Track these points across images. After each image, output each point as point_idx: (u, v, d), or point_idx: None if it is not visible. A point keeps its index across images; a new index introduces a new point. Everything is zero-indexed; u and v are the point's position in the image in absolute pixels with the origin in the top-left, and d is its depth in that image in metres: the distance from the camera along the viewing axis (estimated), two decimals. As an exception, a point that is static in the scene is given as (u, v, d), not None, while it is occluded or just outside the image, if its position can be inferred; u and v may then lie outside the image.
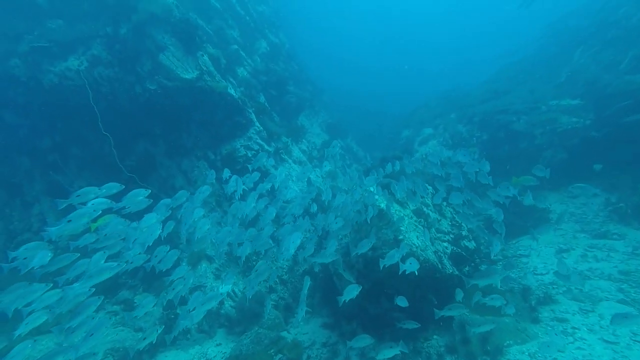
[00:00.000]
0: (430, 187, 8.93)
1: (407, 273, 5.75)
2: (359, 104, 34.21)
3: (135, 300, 7.88)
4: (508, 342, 5.84)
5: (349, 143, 22.67)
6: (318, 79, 28.31)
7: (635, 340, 5.36)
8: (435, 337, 6.40)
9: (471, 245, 7.75)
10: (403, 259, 5.77)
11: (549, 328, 5.96)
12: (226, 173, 7.27)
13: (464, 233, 8.03)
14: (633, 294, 6.41)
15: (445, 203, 8.80)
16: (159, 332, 5.23)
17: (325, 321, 7.72)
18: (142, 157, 10.63)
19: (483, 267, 8.03)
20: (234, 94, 11.17)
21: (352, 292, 5.58)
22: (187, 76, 10.34)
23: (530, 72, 19.04)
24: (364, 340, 5.43)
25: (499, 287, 7.09)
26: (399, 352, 5.25)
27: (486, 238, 8.76)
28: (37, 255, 4.24)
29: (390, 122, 27.83)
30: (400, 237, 6.78)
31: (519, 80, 18.25)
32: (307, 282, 6.09)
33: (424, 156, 9.75)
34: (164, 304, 7.81)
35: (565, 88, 14.42)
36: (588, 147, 10.97)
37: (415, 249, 6.62)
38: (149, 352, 6.99)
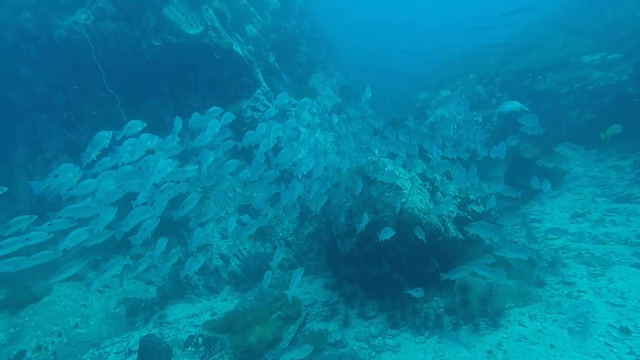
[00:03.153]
0: (440, 151, 8.57)
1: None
2: (377, 66, 32.75)
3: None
4: (509, 304, 5.75)
5: (362, 105, 21.91)
6: (334, 39, 27.01)
7: (644, 304, 5.16)
8: (435, 299, 6.39)
9: (479, 209, 7.48)
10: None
11: (554, 291, 5.81)
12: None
13: (472, 197, 7.73)
14: (649, 258, 6.11)
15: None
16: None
17: (328, 282, 7.86)
18: (151, 117, 10.69)
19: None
20: (240, 52, 10.79)
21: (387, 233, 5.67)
22: (191, 32, 10.01)
23: (564, 24, 17.32)
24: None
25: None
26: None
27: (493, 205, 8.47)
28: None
29: (409, 85, 26.60)
30: (403, 200, 6.62)
31: (551, 34, 16.67)
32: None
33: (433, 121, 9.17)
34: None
35: (604, 41, 13.05)
36: (621, 106, 10.05)
37: (417, 213, 6.46)
38: (159, 303, 7.40)
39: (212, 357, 5.35)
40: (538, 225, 8.04)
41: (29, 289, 6.40)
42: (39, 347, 5.95)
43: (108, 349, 6.39)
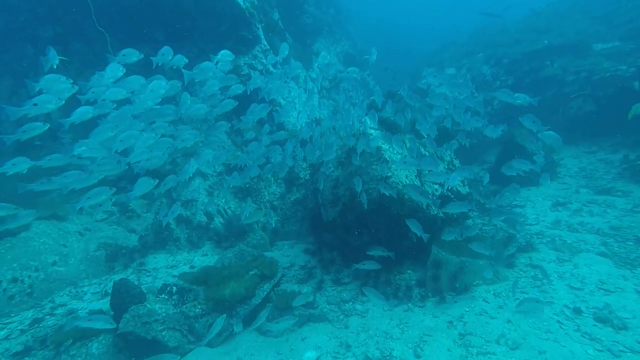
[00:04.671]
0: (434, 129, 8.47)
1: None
2: (388, 39, 31.51)
3: (130, 205, 8.25)
4: (477, 281, 5.95)
5: (365, 77, 21.36)
6: (346, 4, 25.75)
7: (599, 288, 5.43)
8: (409, 271, 6.55)
9: (464, 190, 7.51)
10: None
11: (521, 272, 6.04)
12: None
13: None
14: (615, 248, 6.35)
15: (446, 145, 8.40)
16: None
17: (309, 248, 8.01)
18: (144, 62, 10.36)
19: (473, 214, 7.91)
20: (241, 4, 10.26)
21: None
22: (190, -25, 9.45)
23: (583, 7, 16.59)
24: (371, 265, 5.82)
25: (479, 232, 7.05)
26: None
27: (482, 188, 8.51)
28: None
29: (416, 60, 25.79)
30: (389, 174, 6.59)
31: (567, 17, 15.99)
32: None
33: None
34: (157, 210, 8.19)
35: (621, 29, 12.57)
36: (623, 100, 9.87)
37: (401, 187, 6.46)
38: (140, 251, 7.52)
39: (185, 306, 5.50)
40: (520, 211, 8.15)
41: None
42: (14, 279, 6.07)
43: (85, 289, 6.56)
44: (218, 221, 8.26)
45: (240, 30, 10.32)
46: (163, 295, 5.65)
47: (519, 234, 6.98)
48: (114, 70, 4.73)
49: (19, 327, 5.70)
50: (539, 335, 4.68)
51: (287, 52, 6.52)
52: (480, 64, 14.95)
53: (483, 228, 7.79)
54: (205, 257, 7.61)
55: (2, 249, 6.28)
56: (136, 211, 8.13)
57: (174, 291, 5.74)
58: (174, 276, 6.88)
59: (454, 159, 8.05)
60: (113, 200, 4.90)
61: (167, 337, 5.28)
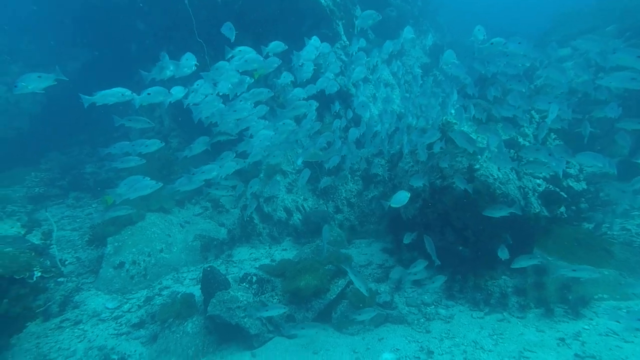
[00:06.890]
0: (537, 116, 7.24)
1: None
2: (484, 23, 28.56)
3: (221, 201, 9.07)
4: (601, 295, 4.79)
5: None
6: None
7: None
8: (504, 277, 5.67)
9: (578, 186, 6.20)
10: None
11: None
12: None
13: (572, 172, 6.43)
14: None
15: (554, 135, 7.09)
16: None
17: (387, 246, 7.65)
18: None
19: (591, 215, 6.47)
20: (323, 2, 10.45)
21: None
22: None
23: None
24: None
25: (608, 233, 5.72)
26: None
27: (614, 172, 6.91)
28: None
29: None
30: (477, 166, 5.82)
31: None
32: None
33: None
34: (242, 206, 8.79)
35: None
36: None
37: (492, 181, 5.63)
38: (228, 244, 8.18)
39: (263, 295, 5.74)
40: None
41: (128, 213, 7.62)
42: (134, 262, 7.20)
43: (184, 275, 7.40)
44: (297, 217, 8.48)
45: (320, 28, 10.52)
46: (244, 284, 5.99)
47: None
48: (190, 59, 5.29)
49: (137, 303, 6.70)
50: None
51: (370, 22, 6.52)
52: (608, 39, 12.27)
53: (609, 232, 6.31)
54: (284, 252, 7.88)
55: (125, 236, 7.53)
56: (225, 206, 8.91)
57: (253, 280, 6.04)
58: (256, 268, 7.27)
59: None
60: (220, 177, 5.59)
61: (248, 324, 5.54)
